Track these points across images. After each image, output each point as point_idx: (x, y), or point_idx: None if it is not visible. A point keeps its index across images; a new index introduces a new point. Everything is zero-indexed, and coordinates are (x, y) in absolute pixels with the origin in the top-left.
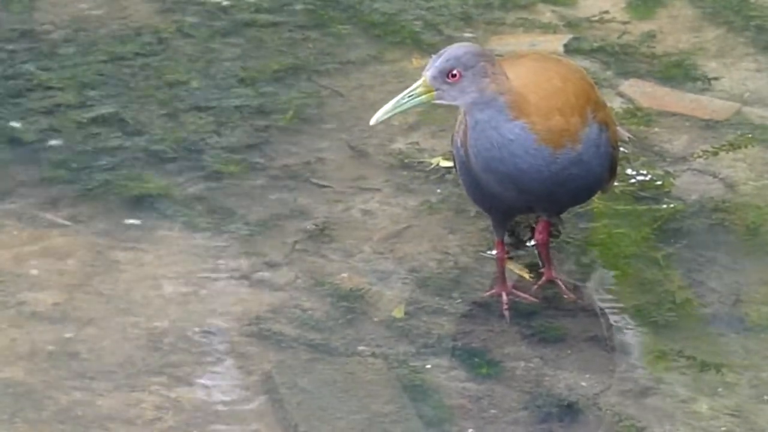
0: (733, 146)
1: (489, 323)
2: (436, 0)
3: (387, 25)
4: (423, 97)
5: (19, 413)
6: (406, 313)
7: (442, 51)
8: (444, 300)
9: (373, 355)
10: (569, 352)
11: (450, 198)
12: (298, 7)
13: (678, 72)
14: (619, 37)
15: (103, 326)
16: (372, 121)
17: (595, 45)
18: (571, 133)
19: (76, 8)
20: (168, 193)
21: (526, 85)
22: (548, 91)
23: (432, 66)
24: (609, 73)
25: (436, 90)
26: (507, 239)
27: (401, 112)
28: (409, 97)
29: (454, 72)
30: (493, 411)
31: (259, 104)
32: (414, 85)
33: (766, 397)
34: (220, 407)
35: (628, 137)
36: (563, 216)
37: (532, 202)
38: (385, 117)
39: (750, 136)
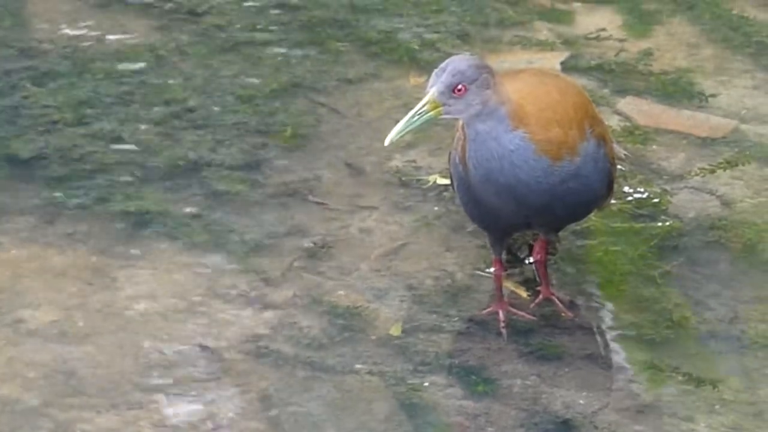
0: (731, 164)
1: (486, 341)
2: (434, 17)
3: (384, 42)
4: (431, 113)
5: (16, 431)
6: (403, 331)
7: (444, 65)
8: (441, 318)
9: (371, 372)
10: (566, 369)
11: (447, 216)
12: (296, 25)
13: (675, 89)
14: (616, 55)
15: (100, 344)
16: (386, 142)
17: (592, 63)
18: (569, 145)
19: (73, 26)
20: (165, 210)
21: (524, 98)
22: (547, 103)
23: (438, 82)
24: (606, 90)
25: (443, 105)
26: (504, 257)
27: (413, 131)
28: (419, 115)
29: (460, 87)
30: (490, 429)
31: (257, 122)
32: (421, 103)
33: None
34: (217, 426)
35: (624, 154)
36: (560, 234)
37: (530, 216)
38: (399, 137)
39: (747, 153)
